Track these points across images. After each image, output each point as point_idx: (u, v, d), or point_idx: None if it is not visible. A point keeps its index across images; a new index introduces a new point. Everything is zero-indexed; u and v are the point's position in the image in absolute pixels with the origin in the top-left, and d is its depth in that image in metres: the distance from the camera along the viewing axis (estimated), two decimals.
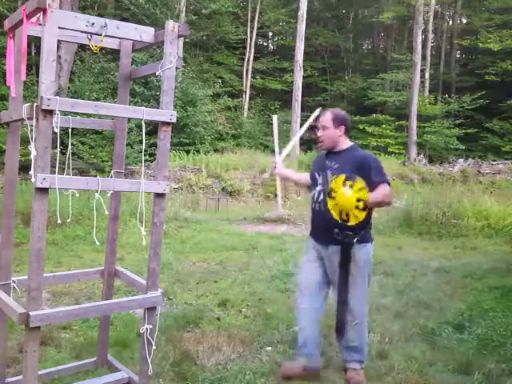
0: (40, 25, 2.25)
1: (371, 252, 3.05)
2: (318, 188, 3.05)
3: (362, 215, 2.81)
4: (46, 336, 3.39)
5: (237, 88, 22.87)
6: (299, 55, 18.47)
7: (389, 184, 2.93)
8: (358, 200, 2.79)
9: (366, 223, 2.90)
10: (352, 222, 2.82)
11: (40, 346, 2.33)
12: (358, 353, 3.00)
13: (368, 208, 2.85)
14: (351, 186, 2.81)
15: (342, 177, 2.84)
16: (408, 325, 3.90)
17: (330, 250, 2.99)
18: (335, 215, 2.84)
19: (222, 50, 23.27)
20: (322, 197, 2.99)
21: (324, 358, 3.29)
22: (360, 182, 2.81)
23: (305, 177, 3.42)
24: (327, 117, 3.04)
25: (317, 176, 3.11)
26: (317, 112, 3.73)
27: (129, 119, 4.09)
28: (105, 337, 3.07)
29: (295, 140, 3.65)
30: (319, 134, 3.07)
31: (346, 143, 3.07)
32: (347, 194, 2.80)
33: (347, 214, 2.81)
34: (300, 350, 3.04)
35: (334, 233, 2.88)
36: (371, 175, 2.85)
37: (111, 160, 3.44)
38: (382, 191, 2.85)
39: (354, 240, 2.88)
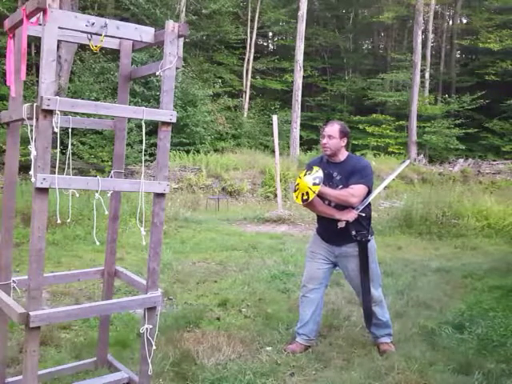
0: (40, 25, 2.25)
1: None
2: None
3: (315, 188, 3.18)
4: (45, 336, 3.38)
5: (237, 88, 22.87)
6: (299, 55, 18.48)
7: (368, 188, 3.31)
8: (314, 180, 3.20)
9: (370, 218, 3.40)
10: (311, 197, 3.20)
11: (40, 346, 2.33)
12: (386, 328, 3.49)
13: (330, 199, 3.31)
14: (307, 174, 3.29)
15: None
16: (408, 325, 3.89)
17: (343, 249, 3.40)
18: (298, 200, 3.29)
19: (222, 50, 23.27)
20: (332, 203, 3.34)
21: (324, 359, 3.30)
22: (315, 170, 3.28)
23: None
24: (335, 128, 3.37)
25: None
26: (406, 163, 4.09)
27: (129, 119, 4.09)
28: (105, 337, 3.06)
29: (382, 187, 3.91)
30: (325, 141, 3.37)
31: (344, 154, 3.43)
32: (304, 179, 3.27)
33: (307, 193, 3.21)
34: (300, 330, 3.49)
35: (352, 235, 3.30)
36: (355, 177, 3.28)
37: (111, 160, 3.44)
38: (346, 189, 3.26)
39: (369, 237, 3.35)
